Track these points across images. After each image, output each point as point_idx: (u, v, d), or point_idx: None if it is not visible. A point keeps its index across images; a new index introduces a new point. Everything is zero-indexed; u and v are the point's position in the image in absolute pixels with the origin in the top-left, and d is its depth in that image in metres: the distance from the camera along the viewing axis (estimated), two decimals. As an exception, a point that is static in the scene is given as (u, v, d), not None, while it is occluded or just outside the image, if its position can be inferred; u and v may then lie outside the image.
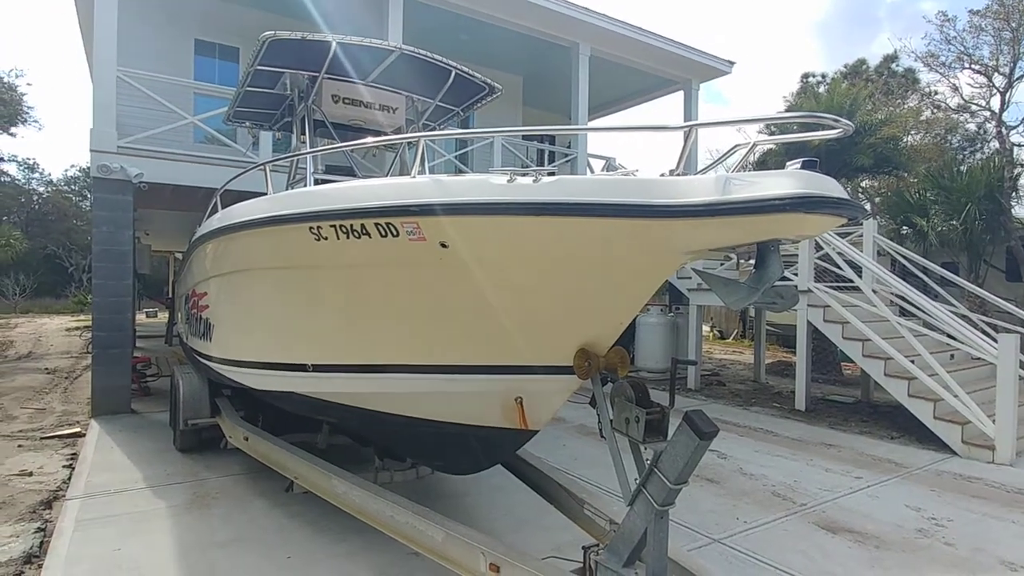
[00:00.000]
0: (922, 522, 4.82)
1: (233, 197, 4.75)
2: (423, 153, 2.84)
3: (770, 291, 2.07)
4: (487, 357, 2.89)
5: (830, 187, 1.88)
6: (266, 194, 3.72)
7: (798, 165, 1.94)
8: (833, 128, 1.97)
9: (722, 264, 10.34)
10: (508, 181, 2.35)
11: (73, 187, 42.03)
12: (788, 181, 1.87)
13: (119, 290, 7.83)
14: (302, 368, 3.71)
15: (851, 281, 8.77)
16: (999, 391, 6.60)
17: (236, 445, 5.21)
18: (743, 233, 2.00)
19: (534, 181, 2.30)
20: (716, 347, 18.84)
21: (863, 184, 17.70)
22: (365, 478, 4.00)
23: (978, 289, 9.84)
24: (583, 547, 2.82)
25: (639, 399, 2.52)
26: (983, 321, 9.09)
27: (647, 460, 2.50)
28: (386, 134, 5.78)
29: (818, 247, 8.96)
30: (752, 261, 2.09)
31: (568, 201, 2.20)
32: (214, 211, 4.74)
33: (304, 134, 5.28)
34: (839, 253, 8.59)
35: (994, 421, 6.59)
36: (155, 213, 12.83)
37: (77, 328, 21.00)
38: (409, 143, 5.74)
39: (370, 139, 4.16)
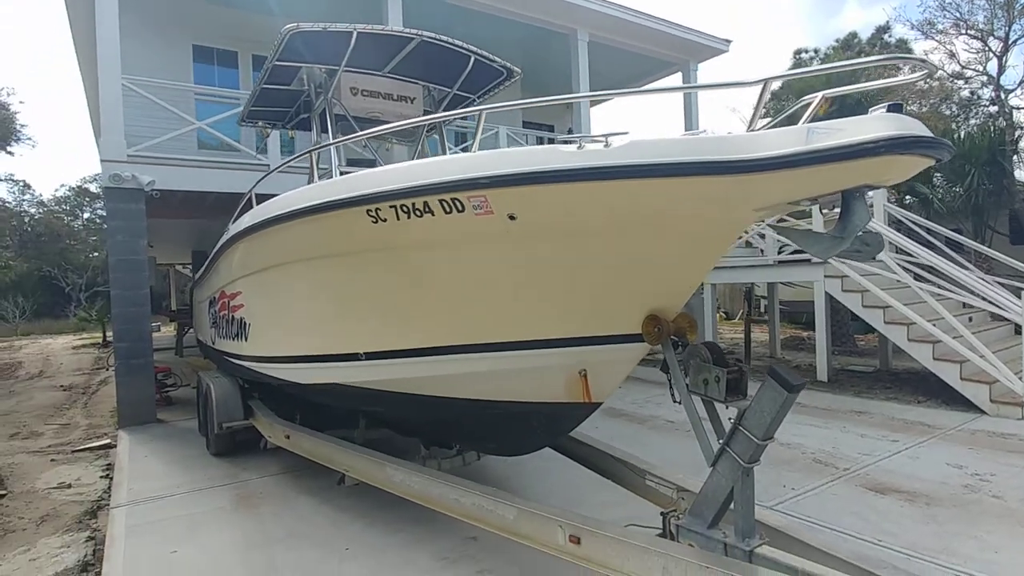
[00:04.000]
0: (966, 478, 4.85)
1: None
2: (480, 128, 2.82)
3: (855, 240, 2.07)
4: (555, 331, 2.88)
5: (919, 128, 1.88)
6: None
7: (883, 110, 1.93)
8: (921, 68, 1.97)
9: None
10: (578, 148, 2.34)
11: (64, 207, 41.74)
12: (878, 124, 1.86)
13: (137, 300, 7.78)
14: (353, 357, 3.69)
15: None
16: (1026, 347, 6.64)
17: (278, 444, 5.20)
18: (829, 182, 2.00)
19: (605, 145, 2.29)
20: (724, 327, 18.87)
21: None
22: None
23: (989, 251, 9.88)
24: (661, 512, 2.82)
25: (716, 359, 2.53)
26: (997, 282, 9.13)
27: (729, 420, 2.51)
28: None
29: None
30: (836, 210, 2.09)
31: (647, 162, 2.19)
32: (246, 209, 4.71)
33: (325, 131, 5.24)
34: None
35: (1021, 379, 6.63)
36: (156, 224, 12.75)
37: (83, 346, 20.89)
38: (432, 128, 5.71)
39: (429, 116, 4.10)
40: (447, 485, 3.43)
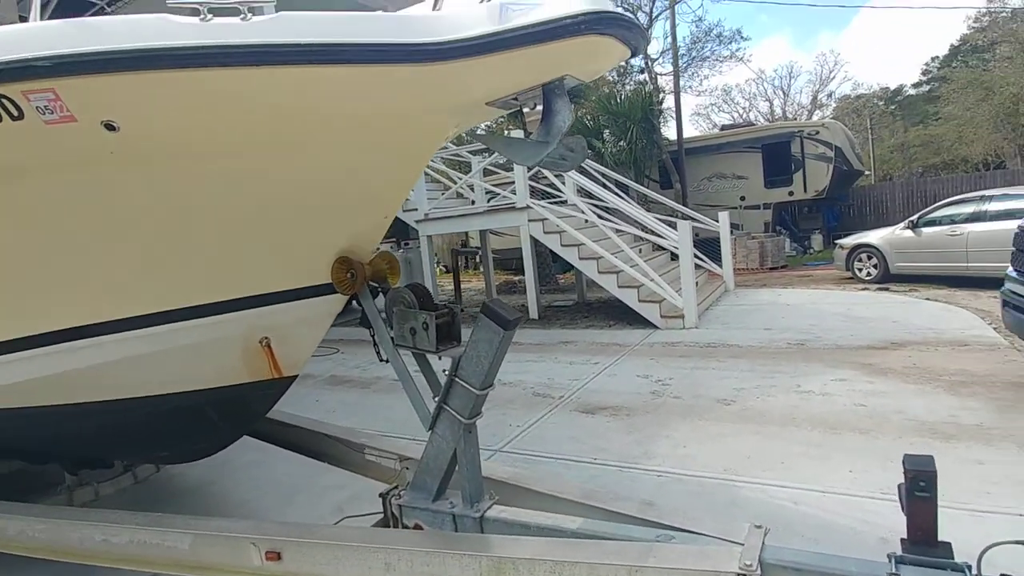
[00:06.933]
0: (653, 386, 5.53)
1: None
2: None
3: (560, 145, 1.80)
4: (214, 292, 2.13)
5: (615, 8, 1.65)
6: None
7: (577, -17, 1.65)
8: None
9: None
10: (202, 19, 1.61)
11: None
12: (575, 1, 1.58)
13: None
14: None
15: (558, 197, 9.62)
16: (682, 268, 7.94)
17: None
18: (528, 71, 1.68)
19: (243, 18, 1.61)
20: (445, 280, 19.41)
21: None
22: (56, 504, 2.88)
23: (650, 191, 11.73)
24: (380, 494, 2.37)
25: (423, 303, 2.11)
26: (656, 218, 10.89)
27: (443, 372, 2.13)
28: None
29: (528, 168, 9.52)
30: (539, 108, 1.79)
31: (298, 43, 1.58)
32: None
33: None
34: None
35: (681, 295, 7.93)
36: None
37: None
38: None
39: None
40: (88, 524, 2.46)
